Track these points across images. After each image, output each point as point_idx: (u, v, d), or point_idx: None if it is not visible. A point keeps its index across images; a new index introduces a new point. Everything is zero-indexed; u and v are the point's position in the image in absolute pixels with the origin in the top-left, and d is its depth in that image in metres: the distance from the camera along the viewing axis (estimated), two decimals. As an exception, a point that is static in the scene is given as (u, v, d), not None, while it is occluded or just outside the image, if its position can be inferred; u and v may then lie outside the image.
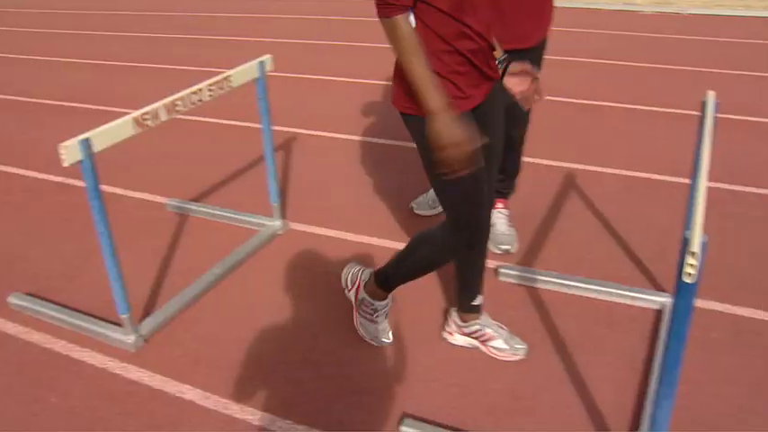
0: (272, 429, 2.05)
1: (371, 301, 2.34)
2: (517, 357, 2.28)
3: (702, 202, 1.45)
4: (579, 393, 2.14)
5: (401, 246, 3.01)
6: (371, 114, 4.84)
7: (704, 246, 1.32)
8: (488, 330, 2.31)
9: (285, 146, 4.27)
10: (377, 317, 2.36)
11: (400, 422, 2.02)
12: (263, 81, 2.85)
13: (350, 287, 2.44)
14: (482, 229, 2.01)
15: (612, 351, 2.33)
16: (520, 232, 3.06)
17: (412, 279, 2.23)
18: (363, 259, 2.93)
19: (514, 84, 2.07)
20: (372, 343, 2.39)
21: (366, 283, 2.37)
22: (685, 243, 1.33)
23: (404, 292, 2.66)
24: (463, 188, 1.90)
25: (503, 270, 2.73)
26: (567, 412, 2.07)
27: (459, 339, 2.37)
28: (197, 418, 2.10)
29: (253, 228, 3.21)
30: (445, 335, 2.40)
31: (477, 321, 2.31)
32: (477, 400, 2.13)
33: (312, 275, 2.83)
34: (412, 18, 1.79)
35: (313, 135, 4.45)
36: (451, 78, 1.83)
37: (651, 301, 2.54)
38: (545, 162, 3.86)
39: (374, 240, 3.08)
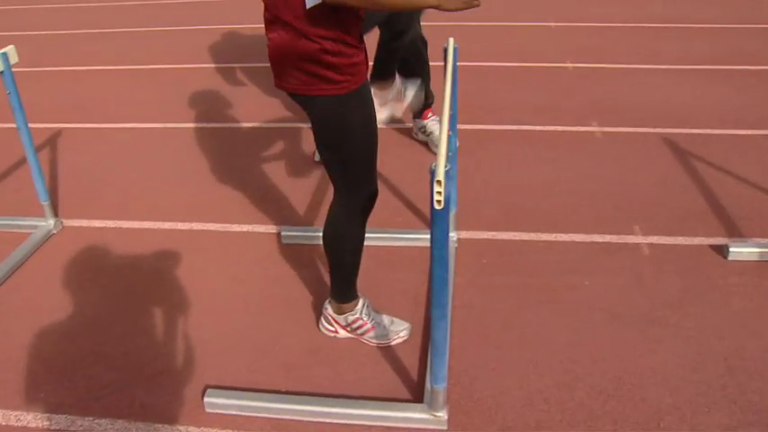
0: (72, 431, 1.98)
1: (351, 315, 2.24)
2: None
3: (445, 138, 1.62)
4: (370, 335, 2.30)
5: (182, 225, 3.00)
6: (136, 100, 4.68)
7: (448, 174, 1.48)
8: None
9: (50, 142, 4.01)
10: (371, 321, 2.25)
11: (203, 394, 2.05)
12: (10, 73, 2.66)
13: (333, 328, 2.30)
14: (375, 181, 2.07)
15: (397, 291, 2.52)
16: (297, 194, 3.16)
17: (356, 269, 2.19)
18: (147, 246, 2.87)
19: None
20: (399, 340, 2.25)
21: (334, 310, 2.27)
22: (432, 174, 1.48)
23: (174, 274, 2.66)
24: (363, 156, 1.98)
25: (284, 233, 2.82)
26: (362, 352, 2.22)
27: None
28: (-16, 434, 1.98)
29: (24, 231, 3.02)
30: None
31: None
32: (275, 358, 2.22)
33: (94, 269, 2.74)
34: None
35: (79, 128, 4.23)
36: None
37: (425, 239, 2.75)
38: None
39: (156, 224, 3.04)
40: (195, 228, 3.00)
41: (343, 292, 2.21)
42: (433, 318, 1.72)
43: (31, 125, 2.86)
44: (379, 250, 2.73)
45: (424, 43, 3.42)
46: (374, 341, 2.25)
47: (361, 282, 2.23)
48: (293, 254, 2.77)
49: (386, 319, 2.28)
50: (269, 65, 1.94)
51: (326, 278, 2.59)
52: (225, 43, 6.08)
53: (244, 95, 4.61)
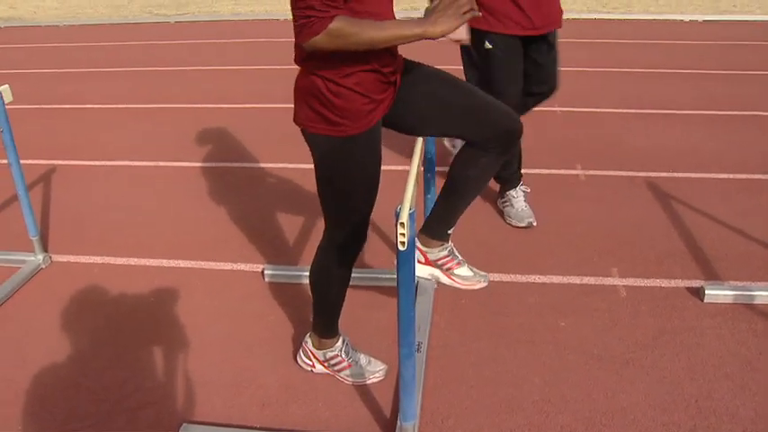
0: (47, 463, 2.01)
1: (330, 351, 2.26)
2: (481, 285, 2.18)
3: (412, 181, 1.67)
4: (347, 373, 2.33)
5: (167, 263, 3.05)
6: (129, 138, 4.76)
7: (412, 217, 1.54)
8: (455, 257, 2.17)
9: (42, 178, 4.08)
10: (348, 359, 2.27)
11: (180, 429, 2.07)
12: (4, 112, 2.74)
13: (310, 362, 2.33)
14: (366, 226, 2.07)
15: (375, 329, 2.55)
16: (281, 234, 3.21)
17: (339, 307, 2.20)
18: (133, 282, 2.92)
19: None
20: (374, 380, 2.28)
21: (314, 344, 2.30)
22: (397, 216, 1.54)
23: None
24: (355, 201, 1.97)
25: (268, 271, 2.87)
26: (337, 390, 2.25)
27: (420, 270, 2.16)
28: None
29: (12, 265, 3.06)
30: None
31: (446, 245, 2.16)
32: (251, 395, 2.25)
33: (80, 304, 2.78)
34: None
35: (70, 165, 4.30)
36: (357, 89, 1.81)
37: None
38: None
39: (142, 261, 3.09)
40: (181, 265, 3.05)
41: (326, 326, 2.24)
42: (401, 356, 1.75)
43: (22, 161, 2.93)
44: (359, 289, 2.78)
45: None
46: (349, 379, 2.27)
47: (342, 319, 2.27)
48: (276, 292, 2.81)
49: (363, 358, 2.31)
50: (261, 106, 2.00)
51: (307, 316, 2.63)
52: (219, 84, 6.20)
53: (232, 136, 4.70)
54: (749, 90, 5.57)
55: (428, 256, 2.15)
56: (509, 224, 3.29)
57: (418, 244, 2.14)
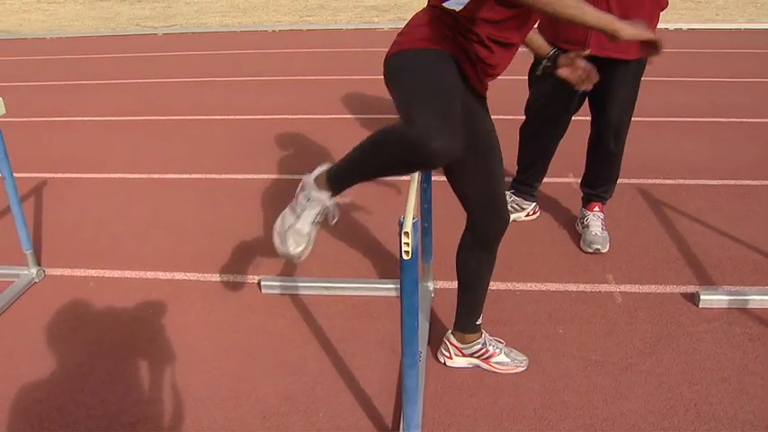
0: (45, 479, 1.99)
1: (313, 185, 1.89)
2: (520, 369, 2.35)
3: (414, 191, 1.68)
4: (348, 383, 2.33)
5: (163, 275, 3.04)
6: (120, 151, 4.75)
7: (415, 226, 1.54)
8: (490, 348, 2.34)
9: (35, 191, 4.06)
10: (305, 208, 1.92)
11: (179, 443, 2.06)
12: (-3, 125, 2.72)
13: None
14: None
15: (374, 340, 2.55)
16: (271, 245, 3.20)
17: (366, 178, 1.81)
18: (129, 295, 2.90)
19: (566, 72, 2.27)
20: (276, 245, 2.00)
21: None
22: (401, 226, 1.54)
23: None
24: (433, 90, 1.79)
25: (264, 283, 2.86)
26: (338, 401, 2.25)
27: (458, 362, 2.37)
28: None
29: (6, 279, 3.04)
30: (443, 359, 2.39)
31: (479, 340, 2.34)
32: (251, 407, 2.24)
33: (75, 318, 2.76)
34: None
35: (64, 178, 4.28)
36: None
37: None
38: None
39: (137, 274, 3.08)
40: (176, 277, 3.04)
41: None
42: (404, 366, 1.76)
43: (16, 174, 2.91)
44: (357, 300, 2.77)
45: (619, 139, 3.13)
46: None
47: (338, 331, 2.27)
48: (272, 303, 2.81)
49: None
50: (252, 117, 2.00)
51: (305, 327, 2.63)
52: (208, 96, 6.20)
53: (224, 147, 4.70)
54: (735, 97, 5.64)
55: (464, 351, 2.36)
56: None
57: (455, 341, 2.35)
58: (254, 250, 3.24)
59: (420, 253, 2.75)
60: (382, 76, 1.95)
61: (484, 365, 2.36)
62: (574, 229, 3.32)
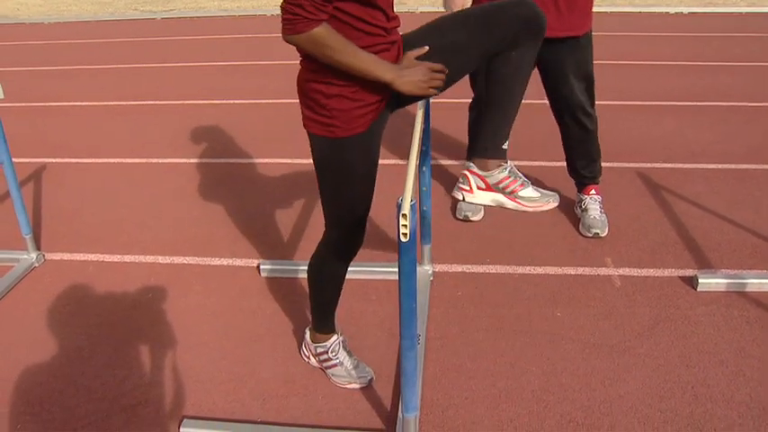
0: (47, 461, 2.00)
1: (320, 346, 2.25)
2: (550, 206, 2.08)
3: (413, 174, 1.68)
4: (346, 366, 2.33)
5: (162, 259, 3.04)
6: (119, 135, 4.74)
7: (413, 208, 1.55)
8: (518, 179, 2.04)
9: (34, 176, 4.06)
10: (335, 356, 2.24)
11: (180, 425, 2.07)
12: (-5, 110, 2.72)
13: (306, 354, 2.36)
14: (363, 227, 2.03)
15: (373, 323, 2.56)
16: (276, 229, 3.22)
17: (333, 305, 2.20)
18: (129, 280, 2.91)
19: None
20: (355, 386, 2.24)
21: (309, 337, 2.32)
22: (399, 208, 1.54)
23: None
24: (349, 200, 1.93)
25: (263, 266, 2.87)
26: (337, 384, 2.25)
27: (480, 196, 2.05)
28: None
29: (6, 264, 3.05)
30: (461, 195, 2.08)
31: (505, 166, 2.03)
32: (251, 389, 2.25)
33: (75, 302, 2.77)
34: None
35: (63, 162, 4.28)
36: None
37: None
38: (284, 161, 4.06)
39: (137, 258, 3.08)
40: (176, 261, 3.04)
41: (320, 322, 2.25)
42: (403, 348, 1.76)
43: (15, 159, 2.91)
44: (354, 283, 2.78)
45: (588, 116, 3.04)
46: (334, 378, 2.27)
47: (340, 313, 2.27)
48: (272, 287, 2.82)
49: (351, 361, 2.27)
50: (251, 101, 1.99)
51: (303, 311, 2.64)
52: (208, 81, 6.18)
53: (223, 132, 4.69)
54: (734, 80, 5.62)
55: (488, 180, 2.02)
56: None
57: (475, 169, 2.03)
58: (253, 234, 3.24)
59: (419, 236, 2.75)
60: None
61: (509, 203, 2.04)
62: (571, 212, 3.32)
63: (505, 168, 2.02)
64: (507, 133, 2.00)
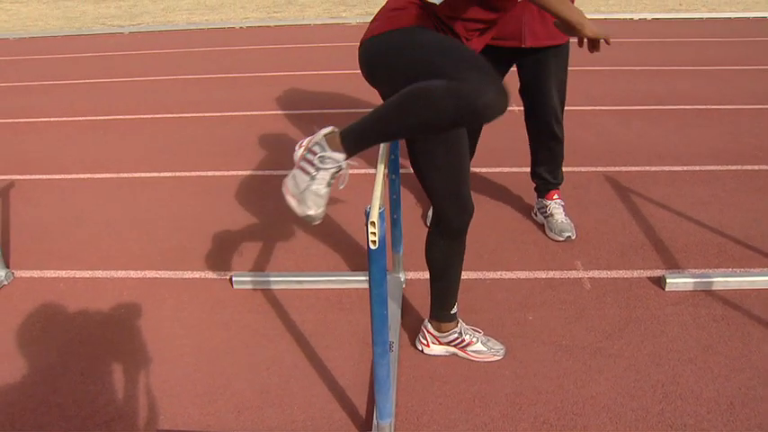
0: (20, 481, 1.98)
1: (323, 146, 1.81)
2: (497, 358, 2.39)
3: (381, 182, 1.70)
4: (322, 376, 2.34)
5: (134, 274, 3.02)
6: (89, 151, 4.70)
7: (382, 216, 1.56)
8: (466, 337, 2.38)
9: (2, 193, 4.01)
10: (319, 169, 1.81)
11: (154, 439, 2.06)
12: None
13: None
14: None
15: (347, 332, 2.57)
16: (248, 241, 3.21)
17: (387, 138, 1.79)
18: (100, 296, 2.89)
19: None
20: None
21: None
22: (367, 216, 1.56)
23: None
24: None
25: (236, 279, 2.86)
26: (312, 394, 2.26)
27: (436, 350, 2.41)
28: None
29: (-27, 283, 3.00)
30: (420, 347, 2.44)
31: (455, 329, 2.37)
32: (226, 401, 2.25)
33: (46, 319, 2.74)
34: None
35: (30, 179, 4.23)
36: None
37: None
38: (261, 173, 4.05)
39: (108, 274, 3.06)
40: (148, 276, 3.02)
41: (353, 137, 1.83)
42: (375, 355, 1.77)
43: (-19, 178, 2.88)
44: (329, 293, 2.79)
45: (558, 122, 3.14)
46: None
47: (311, 325, 2.28)
48: (245, 298, 2.81)
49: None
50: (221, 114, 1.99)
51: (278, 321, 2.64)
52: (178, 94, 6.16)
53: (193, 145, 4.67)
54: (697, 84, 5.73)
55: (441, 340, 2.40)
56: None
57: (432, 330, 2.39)
58: (225, 246, 3.24)
59: (390, 243, 2.77)
60: (360, 62, 1.95)
61: (461, 354, 2.40)
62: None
63: (455, 331, 2.38)
64: (453, 302, 2.33)
